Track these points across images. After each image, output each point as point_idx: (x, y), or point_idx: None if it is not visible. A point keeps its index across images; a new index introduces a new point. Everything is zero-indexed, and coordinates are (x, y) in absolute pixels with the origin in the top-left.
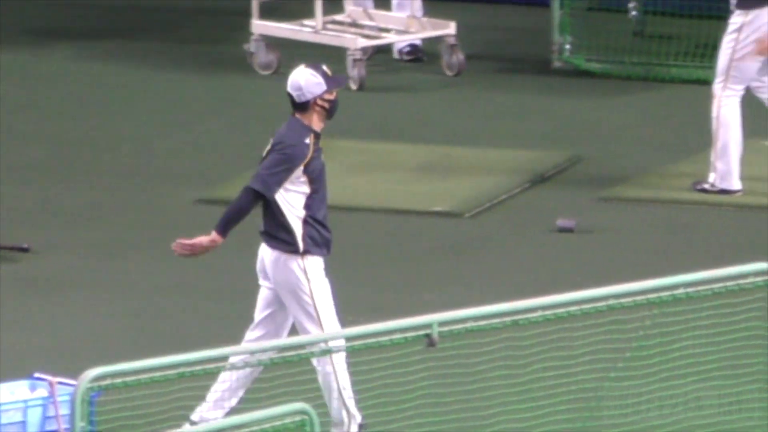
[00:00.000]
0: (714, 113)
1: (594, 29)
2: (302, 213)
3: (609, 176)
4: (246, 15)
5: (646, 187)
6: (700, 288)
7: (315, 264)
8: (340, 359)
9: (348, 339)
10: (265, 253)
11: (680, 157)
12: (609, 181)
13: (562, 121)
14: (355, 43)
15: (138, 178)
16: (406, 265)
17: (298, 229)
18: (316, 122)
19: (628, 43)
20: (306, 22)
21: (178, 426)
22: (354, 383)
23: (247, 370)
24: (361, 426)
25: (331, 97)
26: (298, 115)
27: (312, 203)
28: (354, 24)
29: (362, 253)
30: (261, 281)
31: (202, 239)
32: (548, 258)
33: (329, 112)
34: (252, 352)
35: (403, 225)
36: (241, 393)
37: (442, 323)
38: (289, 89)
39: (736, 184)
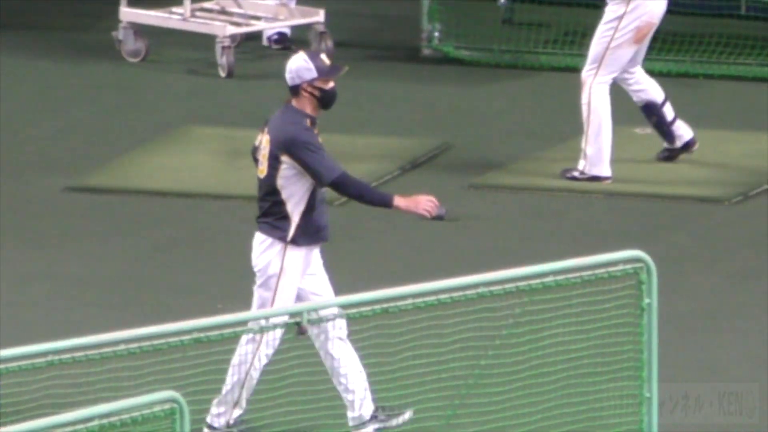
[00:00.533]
0: (584, 100)
1: (463, 17)
2: (303, 205)
3: (479, 164)
4: (114, 2)
5: (516, 174)
6: (569, 275)
7: (295, 256)
8: (263, 355)
9: (217, 327)
10: (256, 237)
11: (550, 145)
12: (479, 168)
13: (432, 109)
14: (224, 30)
15: (7, 165)
16: None
17: (295, 219)
18: (309, 108)
19: (497, 31)
20: (175, 9)
21: (48, 414)
22: (224, 371)
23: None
24: (238, 417)
25: (324, 86)
26: (293, 101)
27: (315, 189)
28: (223, 11)
29: (231, 241)
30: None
31: (414, 200)
32: (418, 245)
33: (320, 100)
34: (126, 342)
35: None
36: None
37: (312, 311)
38: (285, 72)
39: (606, 170)
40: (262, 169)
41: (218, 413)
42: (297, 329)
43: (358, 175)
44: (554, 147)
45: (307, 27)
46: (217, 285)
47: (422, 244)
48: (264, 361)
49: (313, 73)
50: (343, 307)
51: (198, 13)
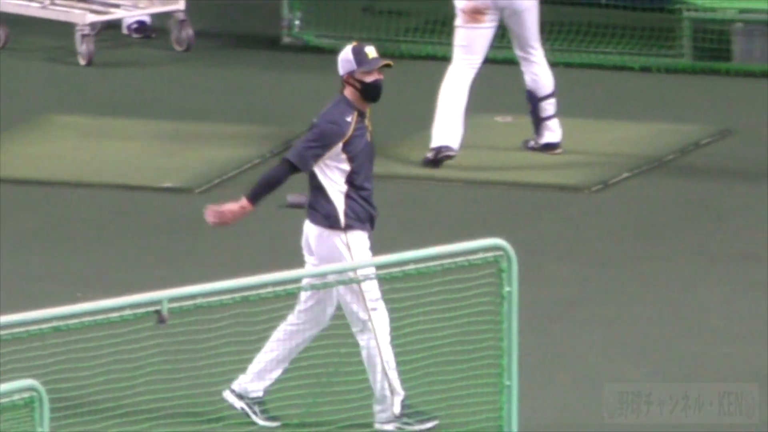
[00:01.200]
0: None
1: (323, 5)
2: (344, 188)
3: None
4: None
5: (377, 162)
6: (430, 264)
7: (358, 238)
8: (383, 334)
9: (77, 315)
10: (309, 229)
11: (411, 133)
12: None
13: (292, 97)
14: (84, 18)
15: None
16: (137, 242)
17: (340, 204)
18: (356, 100)
19: (358, 19)
20: None
21: None
22: (84, 359)
23: (294, 342)
24: (403, 402)
25: (365, 78)
26: (344, 91)
27: (354, 179)
28: None
29: (92, 230)
30: (306, 257)
31: (231, 206)
32: (278, 234)
33: (362, 93)
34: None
35: (133, 201)
36: (285, 365)
37: (172, 299)
38: None
39: (454, 143)
40: None
41: (381, 409)
42: (157, 317)
43: (219, 164)
44: (414, 135)
45: (168, 15)
46: (77, 273)
47: (282, 233)
48: (388, 339)
49: (353, 65)
50: (204, 295)
51: (57, 1)
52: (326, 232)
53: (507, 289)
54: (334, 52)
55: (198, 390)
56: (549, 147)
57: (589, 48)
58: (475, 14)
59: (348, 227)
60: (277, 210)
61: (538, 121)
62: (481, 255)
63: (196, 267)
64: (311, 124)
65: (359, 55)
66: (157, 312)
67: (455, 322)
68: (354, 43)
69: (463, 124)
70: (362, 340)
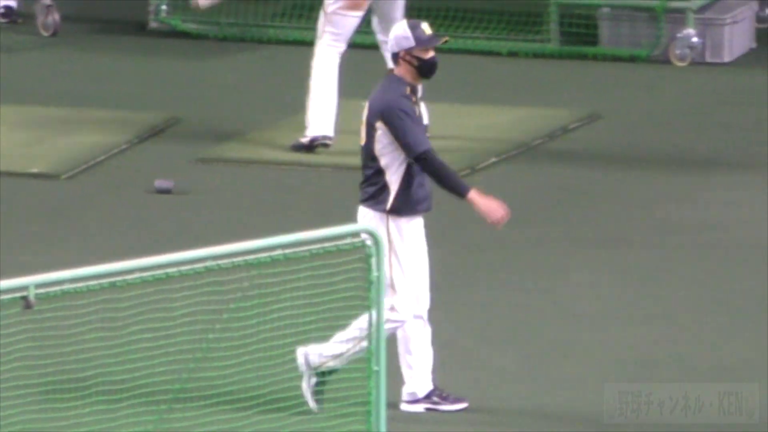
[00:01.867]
0: (312, 64)
1: None
2: (401, 174)
3: (207, 137)
4: None
5: (245, 147)
6: (298, 249)
7: (401, 225)
8: (363, 338)
9: None
10: (359, 211)
11: (279, 118)
12: (207, 142)
13: (159, 82)
14: None
15: None
16: (3, 227)
17: (394, 189)
18: (408, 77)
19: (225, 5)
20: None
21: None
22: None
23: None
24: (316, 383)
25: (422, 55)
26: (395, 69)
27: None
28: None
29: None
30: None
31: (489, 203)
32: (146, 219)
33: (418, 69)
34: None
35: None
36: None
37: (38, 285)
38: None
39: (328, 131)
40: (362, 137)
41: (319, 353)
42: (23, 303)
43: (85, 149)
44: (283, 120)
45: (34, 0)
46: None
47: (150, 218)
48: (365, 342)
49: (411, 42)
50: (71, 281)
51: None
52: (371, 213)
53: (375, 274)
54: (201, 37)
55: (65, 376)
56: None
57: (457, 33)
58: (358, 0)
59: (392, 211)
60: (144, 196)
61: None
62: (349, 240)
63: (63, 253)
64: (369, 108)
65: (417, 32)
66: (24, 298)
67: (324, 307)
68: (407, 20)
69: (336, 109)
70: (355, 322)
